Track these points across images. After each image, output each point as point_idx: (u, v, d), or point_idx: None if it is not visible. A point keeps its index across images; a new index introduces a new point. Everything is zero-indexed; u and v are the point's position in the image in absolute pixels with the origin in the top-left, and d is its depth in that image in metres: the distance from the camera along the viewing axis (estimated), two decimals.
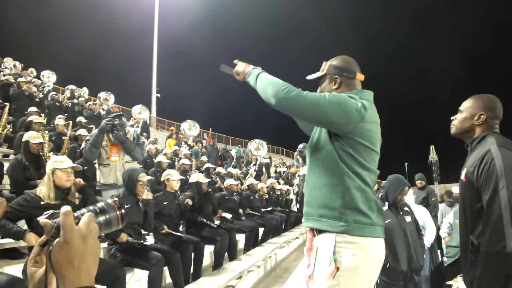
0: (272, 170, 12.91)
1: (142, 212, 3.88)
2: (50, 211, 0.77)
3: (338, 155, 1.70)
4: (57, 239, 0.71)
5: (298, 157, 7.55)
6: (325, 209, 1.71)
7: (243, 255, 6.01)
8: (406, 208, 3.62)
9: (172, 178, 4.54)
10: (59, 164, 3.02)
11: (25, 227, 2.94)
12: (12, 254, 3.87)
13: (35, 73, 11.41)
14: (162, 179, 4.66)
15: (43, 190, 2.97)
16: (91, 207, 0.79)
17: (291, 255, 7.40)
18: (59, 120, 7.13)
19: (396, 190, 3.45)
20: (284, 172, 13.12)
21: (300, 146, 6.89)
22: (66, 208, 0.72)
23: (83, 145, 5.76)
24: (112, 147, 4.17)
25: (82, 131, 6.72)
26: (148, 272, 3.60)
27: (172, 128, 13.55)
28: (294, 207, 9.76)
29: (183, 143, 11.07)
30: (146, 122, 11.71)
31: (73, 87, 11.39)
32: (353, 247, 1.63)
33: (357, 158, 1.68)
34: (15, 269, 3.15)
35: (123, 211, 0.80)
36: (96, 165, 4.38)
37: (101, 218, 0.78)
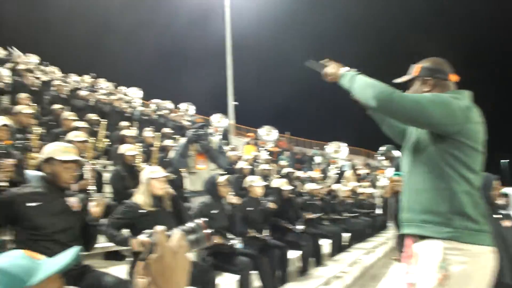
0: (351, 172, 12.54)
1: (228, 217, 4.01)
2: (149, 231, 0.88)
3: (443, 157, 1.59)
4: (153, 255, 0.84)
5: (382, 158, 7.24)
6: (429, 214, 1.60)
7: (329, 261, 5.91)
8: (506, 211, 3.26)
9: (255, 184, 4.62)
10: (153, 174, 3.23)
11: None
12: (114, 256, 4.24)
13: (124, 91, 12.37)
14: (245, 186, 4.76)
15: (140, 198, 3.19)
16: (184, 227, 0.91)
17: (378, 262, 7.09)
18: (148, 132, 7.64)
19: (485, 188, 3.06)
20: (367, 174, 12.67)
21: (383, 147, 6.60)
22: (160, 228, 0.85)
23: (170, 154, 6.13)
24: (199, 156, 4.38)
25: (169, 142, 7.12)
26: (236, 276, 3.69)
27: (251, 134, 13.83)
28: (379, 211, 9.36)
29: (261, 148, 11.24)
30: (225, 130, 12.08)
31: (158, 101, 12.17)
32: (463, 254, 1.51)
33: (464, 160, 1.57)
34: (117, 270, 3.41)
35: (211, 230, 0.91)
36: (185, 173, 4.63)
37: (191, 237, 0.89)
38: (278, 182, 5.29)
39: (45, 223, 2.40)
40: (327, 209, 7.07)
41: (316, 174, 9.76)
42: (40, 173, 4.30)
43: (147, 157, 6.88)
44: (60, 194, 2.58)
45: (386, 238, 8.50)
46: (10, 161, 3.40)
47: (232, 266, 3.78)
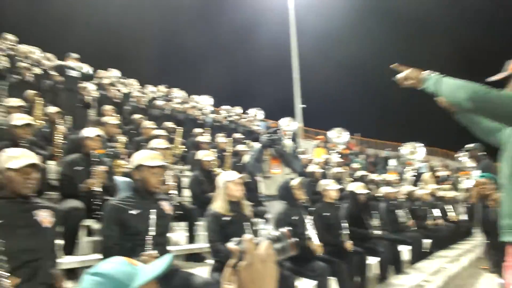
0: (429, 174, 11.83)
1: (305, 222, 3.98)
2: (238, 239, 0.91)
3: None
4: (243, 262, 0.86)
5: (466, 158, 6.74)
6: None
7: (409, 269, 5.62)
8: None
9: (330, 188, 4.54)
10: (229, 177, 3.30)
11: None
12: (194, 258, 4.41)
13: (196, 99, 12.87)
14: (319, 189, 4.70)
15: (218, 203, 3.28)
16: (269, 235, 0.93)
17: (464, 271, 6.59)
18: (220, 138, 7.88)
19: None
20: (448, 176, 11.89)
21: (470, 145, 6.13)
22: (249, 236, 0.88)
23: (244, 159, 6.26)
24: (273, 161, 4.42)
25: (240, 147, 7.28)
26: (313, 281, 3.65)
27: (321, 136, 13.68)
28: (463, 217, 8.70)
29: (332, 151, 11.05)
30: (294, 133, 12.07)
31: (228, 107, 12.52)
32: None
33: None
34: (198, 271, 3.53)
35: (295, 239, 0.92)
36: (260, 178, 4.69)
37: (277, 246, 0.90)
38: (354, 186, 5.14)
39: (145, 228, 2.58)
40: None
41: (391, 176, 9.37)
42: (127, 179, 4.63)
43: (221, 162, 7.10)
44: (152, 199, 2.74)
45: (472, 246, 7.89)
46: (103, 168, 3.70)
47: (310, 272, 3.74)
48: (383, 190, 6.70)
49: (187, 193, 5.34)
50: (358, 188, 5.07)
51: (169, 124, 7.71)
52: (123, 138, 5.50)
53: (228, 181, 3.30)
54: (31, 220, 2.24)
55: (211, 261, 4.10)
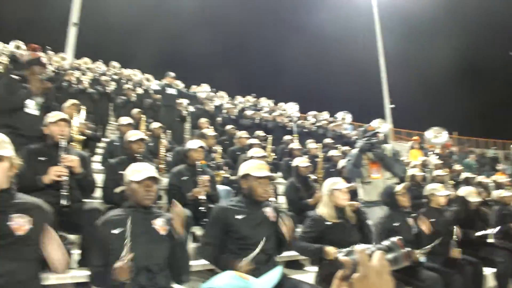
0: None
1: (411, 228, 3.77)
2: (347, 249, 0.89)
3: None
4: (356, 274, 0.83)
5: None
6: None
7: None
8: None
9: (439, 193, 4.23)
10: (336, 185, 3.26)
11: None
12: (294, 265, 4.40)
13: (283, 106, 12.99)
14: (426, 194, 4.41)
15: (323, 210, 3.25)
16: (380, 245, 0.90)
17: None
18: (312, 144, 7.84)
19: None
20: None
21: None
22: (361, 247, 0.86)
23: (339, 164, 6.14)
24: (372, 165, 4.26)
25: (333, 152, 7.16)
26: None
27: (416, 137, 12.90)
28: None
29: (430, 153, 10.35)
30: (386, 136, 11.55)
31: (315, 112, 12.44)
32: None
33: None
34: (300, 278, 3.52)
35: (408, 249, 0.89)
36: (359, 184, 4.56)
37: (390, 256, 0.88)
38: (465, 191, 4.72)
39: (250, 234, 2.65)
40: None
41: (502, 178, 8.46)
42: (227, 188, 4.83)
43: (313, 169, 7.05)
44: (257, 207, 2.81)
45: None
46: (206, 177, 3.90)
47: (419, 282, 3.51)
48: (496, 194, 6.06)
49: (282, 199, 5.39)
50: (471, 194, 4.65)
51: (260, 133, 7.88)
52: (219, 149, 5.76)
53: (335, 189, 3.26)
54: (150, 228, 2.41)
55: (310, 268, 4.08)
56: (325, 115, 12.03)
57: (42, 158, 3.20)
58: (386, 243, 0.90)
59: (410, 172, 6.80)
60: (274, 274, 1.13)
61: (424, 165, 9.01)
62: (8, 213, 1.91)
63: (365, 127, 4.50)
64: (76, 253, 3.16)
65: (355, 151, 4.48)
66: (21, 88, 3.90)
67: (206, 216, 3.72)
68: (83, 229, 2.93)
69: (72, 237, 3.35)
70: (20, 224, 1.91)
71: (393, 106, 20.76)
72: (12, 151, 2.04)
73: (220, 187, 4.57)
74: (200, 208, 3.70)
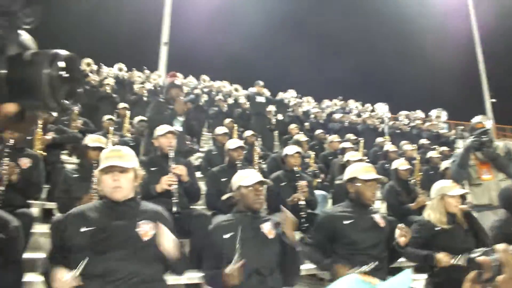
0: None
1: None
2: (481, 249, 0.83)
3: None
4: (501, 276, 0.77)
5: None
6: None
7: None
8: None
9: None
10: (448, 191, 3.07)
11: None
12: (396, 271, 4.20)
13: (371, 107, 12.55)
14: None
15: (432, 215, 3.08)
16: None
17: None
18: (407, 146, 7.47)
19: None
20: None
21: None
22: (503, 245, 0.80)
23: (442, 165, 5.76)
24: (482, 166, 3.93)
25: (432, 154, 6.74)
26: None
27: None
28: None
29: None
30: (490, 132, 10.54)
31: (407, 112, 11.84)
32: None
33: None
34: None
35: None
36: (466, 186, 4.23)
37: None
38: None
39: (358, 238, 2.63)
40: None
41: None
42: (323, 193, 4.81)
43: (411, 171, 6.70)
44: (366, 211, 2.77)
45: None
46: (304, 182, 3.93)
47: None
48: None
49: (380, 204, 5.22)
50: None
51: (351, 136, 7.73)
52: (312, 154, 5.77)
53: (447, 194, 3.08)
54: (258, 232, 2.50)
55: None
56: (418, 113, 11.38)
57: (153, 169, 3.41)
58: None
59: None
60: (404, 278, 1.05)
61: None
62: (135, 220, 2.08)
63: (473, 124, 4.16)
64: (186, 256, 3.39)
65: (460, 151, 4.17)
66: (167, 109, 4.45)
67: (306, 221, 3.77)
68: (193, 233, 3.12)
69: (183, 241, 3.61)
70: (146, 230, 2.07)
71: (494, 100, 18.90)
72: (137, 162, 2.27)
73: (316, 193, 4.57)
74: (300, 213, 3.74)
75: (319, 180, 5.24)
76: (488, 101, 19.06)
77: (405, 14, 20.06)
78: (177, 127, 4.43)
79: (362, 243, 2.62)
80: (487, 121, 10.32)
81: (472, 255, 0.87)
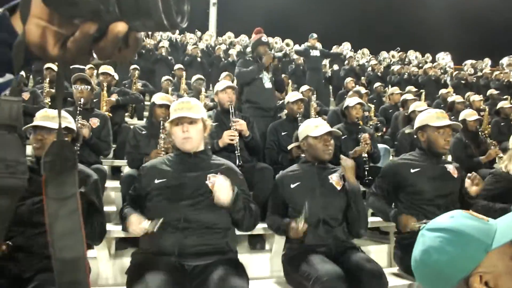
0: None
1: None
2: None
3: None
4: None
5: None
6: None
7: None
8: None
9: None
10: None
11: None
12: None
13: (432, 58, 11.76)
14: None
15: (510, 166, 2.89)
16: None
17: None
18: (474, 96, 6.98)
19: None
20: None
21: None
22: None
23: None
24: None
25: (503, 104, 6.22)
26: None
27: None
28: None
29: None
30: None
31: (472, 61, 11.00)
32: None
33: None
34: None
35: None
36: None
37: None
38: None
39: (426, 188, 2.53)
40: None
41: None
42: (385, 146, 4.66)
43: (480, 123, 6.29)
44: (437, 160, 2.65)
45: None
46: (366, 135, 3.81)
47: None
48: None
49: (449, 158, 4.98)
50: None
51: (412, 88, 7.34)
52: (372, 107, 5.57)
53: None
54: (326, 182, 2.48)
55: None
56: (486, 62, 10.52)
57: (215, 124, 3.28)
58: None
59: None
60: None
61: None
62: (206, 172, 2.11)
63: None
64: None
65: None
66: (255, 63, 4.48)
67: (368, 175, 3.69)
68: (256, 186, 3.14)
69: None
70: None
71: None
72: (205, 114, 2.29)
73: (380, 146, 4.44)
74: (363, 166, 3.66)
75: (381, 133, 5.06)
76: None
77: None
78: (266, 82, 4.42)
79: (430, 193, 2.52)
80: None
81: None
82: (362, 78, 8.88)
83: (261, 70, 4.38)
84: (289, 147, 3.25)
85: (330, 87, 8.88)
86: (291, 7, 17.60)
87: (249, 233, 2.97)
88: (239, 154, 3.23)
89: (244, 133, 3.35)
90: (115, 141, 4.34)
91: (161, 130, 3.26)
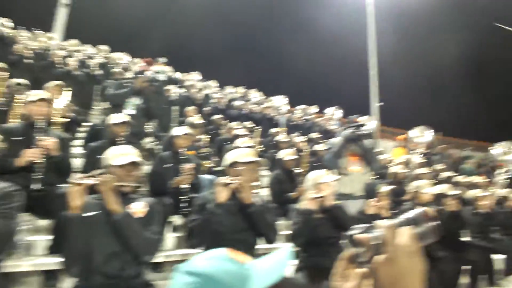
0: None
1: None
2: (363, 225, 0.73)
3: None
4: (380, 256, 0.67)
5: None
6: None
7: (504, 281, 5.14)
8: None
9: (424, 191, 4.28)
10: (322, 178, 3.23)
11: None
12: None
13: (271, 99, 12.88)
14: (409, 191, 4.47)
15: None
16: (402, 218, 0.71)
17: None
18: (298, 138, 7.85)
19: None
20: None
21: None
22: (385, 222, 0.69)
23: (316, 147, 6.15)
24: (353, 157, 4.30)
25: (318, 147, 7.19)
26: None
27: (404, 135, 13.00)
28: None
29: (412, 151, 10.48)
30: (372, 133, 11.64)
31: (304, 106, 12.44)
32: None
33: None
34: None
35: (437, 222, 0.70)
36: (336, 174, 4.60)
37: (417, 231, 0.69)
38: (439, 188, 4.80)
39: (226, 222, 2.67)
40: (496, 222, 6.14)
41: (479, 179, 8.61)
42: (211, 177, 4.82)
43: (298, 162, 7.08)
44: None
45: None
46: (191, 165, 3.86)
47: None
48: (473, 194, 6.17)
49: (266, 192, 5.41)
50: (445, 190, 4.75)
51: (248, 124, 7.87)
52: (206, 138, 5.74)
53: (320, 182, 3.24)
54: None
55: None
56: (313, 109, 12.04)
57: (17, 138, 3.05)
58: (409, 215, 0.72)
59: (393, 169, 6.88)
60: (281, 256, 0.79)
61: (407, 164, 9.14)
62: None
63: (351, 118, 4.53)
64: (47, 239, 3.06)
65: (337, 139, 4.50)
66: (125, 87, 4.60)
67: (189, 205, 3.70)
68: (56, 214, 2.81)
69: (43, 222, 3.26)
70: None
71: (381, 103, 20.85)
72: None
73: (205, 177, 4.57)
74: (181, 197, 3.67)
75: (210, 163, 5.23)
76: (374, 104, 20.95)
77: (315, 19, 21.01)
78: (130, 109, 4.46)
79: (231, 227, 2.69)
80: (371, 122, 11.31)
81: (351, 232, 0.75)
82: (205, 109, 9.15)
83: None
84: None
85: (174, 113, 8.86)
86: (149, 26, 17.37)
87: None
88: (39, 176, 2.88)
89: (52, 153, 3.02)
90: None
91: None
